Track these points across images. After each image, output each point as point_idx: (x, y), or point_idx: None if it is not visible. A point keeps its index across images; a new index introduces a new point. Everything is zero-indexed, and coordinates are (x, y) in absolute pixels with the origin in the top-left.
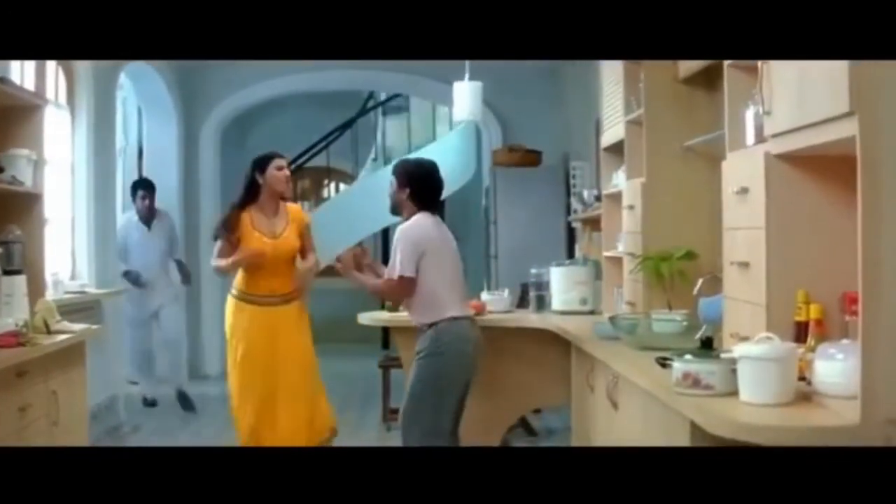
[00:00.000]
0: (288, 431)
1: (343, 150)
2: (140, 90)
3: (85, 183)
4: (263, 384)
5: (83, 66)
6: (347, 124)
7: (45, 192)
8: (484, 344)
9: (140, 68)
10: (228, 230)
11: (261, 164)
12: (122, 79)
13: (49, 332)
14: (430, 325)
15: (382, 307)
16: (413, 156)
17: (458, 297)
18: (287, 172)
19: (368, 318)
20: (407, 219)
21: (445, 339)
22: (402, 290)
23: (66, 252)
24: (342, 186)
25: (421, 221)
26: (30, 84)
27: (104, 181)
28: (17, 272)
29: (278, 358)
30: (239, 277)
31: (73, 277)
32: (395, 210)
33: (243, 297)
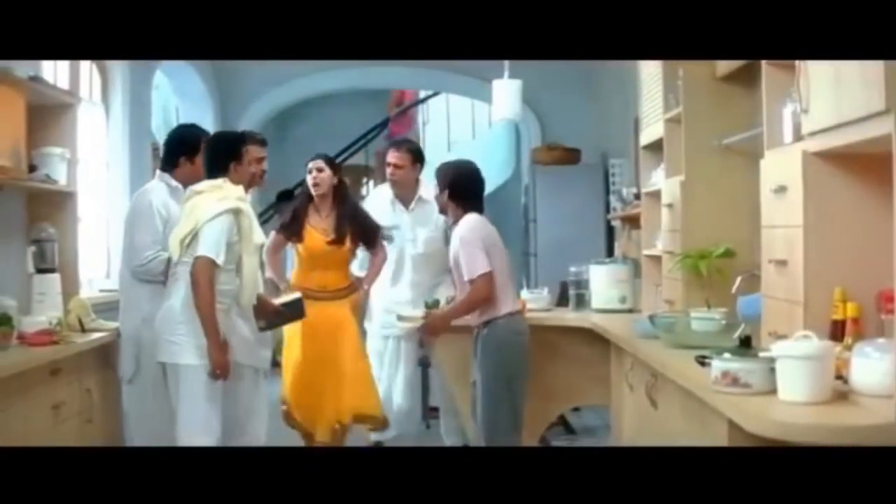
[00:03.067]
0: (317, 412)
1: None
2: (177, 87)
3: (120, 181)
4: (304, 372)
5: (118, 64)
6: (386, 123)
7: (79, 190)
8: None
9: (177, 65)
10: (293, 228)
11: (306, 166)
12: (159, 75)
13: (83, 330)
14: (487, 323)
15: (427, 305)
16: (453, 157)
17: (511, 293)
18: (316, 175)
19: (407, 316)
20: (455, 221)
21: (507, 336)
22: (488, 287)
23: (101, 250)
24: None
25: (475, 222)
26: (63, 82)
27: (139, 179)
28: (51, 270)
29: (325, 352)
30: (293, 271)
31: (108, 276)
32: (442, 211)
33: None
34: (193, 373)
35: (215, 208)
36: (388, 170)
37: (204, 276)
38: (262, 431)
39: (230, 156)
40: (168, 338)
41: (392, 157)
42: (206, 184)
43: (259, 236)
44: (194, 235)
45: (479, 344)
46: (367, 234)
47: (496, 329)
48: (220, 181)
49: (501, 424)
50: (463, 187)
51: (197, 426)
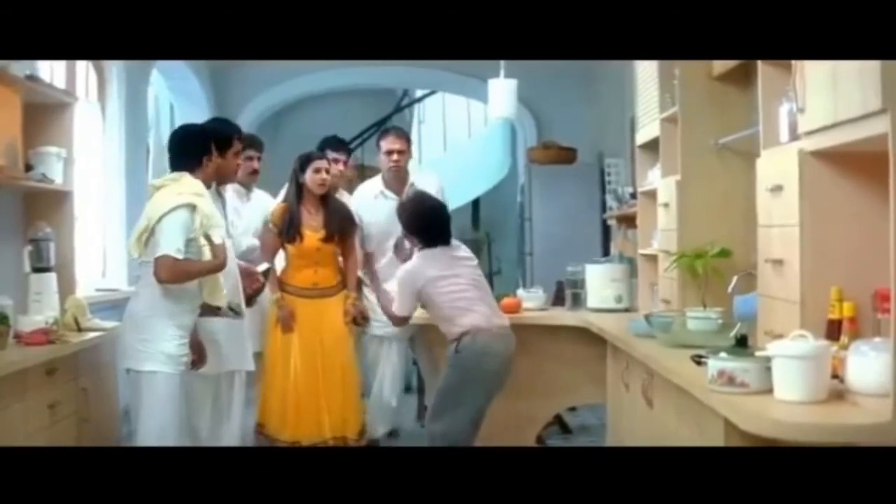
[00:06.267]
0: (298, 427)
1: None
2: (172, 86)
3: (116, 180)
4: (288, 374)
5: (114, 63)
6: (382, 122)
7: (76, 189)
8: (512, 353)
9: (172, 64)
10: (292, 232)
11: (301, 164)
12: (154, 75)
13: (80, 329)
14: (455, 340)
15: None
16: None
17: (478, 311)
18: (323, 175)
19: None
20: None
21: (465, 355)
22: (396, 322)
23: (97, 250)
24: None
25: (417, 263)
26: (60, 81)
27: (135, 178)
28: (48, 270)
29: (313, 350)
30: (282, 269)
31: (104, 275)
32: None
33: (285, 289)
34: (156, 380)
35: (169, 202)
36: (393, 157)
37: (171, 275)
38: (233, 436)
39: (201, 149)
40: (132, 343)
41: (396, 143)
42: (165, 178)
43: (217, 237)
44: (151, 232)
45: (447, 351)
46: (351, 229)
47: (461, 348)
48: (178, 174)
49: (442, 429)
50: (423, 227)
51: (162, 433)
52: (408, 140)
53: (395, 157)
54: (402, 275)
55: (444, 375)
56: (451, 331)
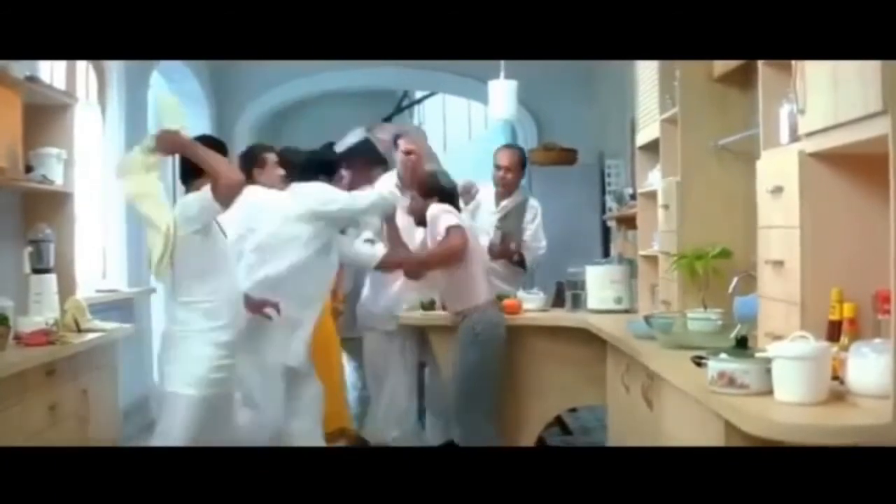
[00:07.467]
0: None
1: None
2: (173, 88)
3: (116, 182)
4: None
5: (114, 64)
6: (384, 122)
7: (76, 190)
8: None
9: (172, 66)
10: None
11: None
12: (155, 76)
13: (79, 330)
14: (466, 315)
15: (423, 306)
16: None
17: (486, 284)
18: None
19: (404, 316)
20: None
21: (482, 329)
22: (462, 238)
23: (97, 251)
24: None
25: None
26: (60, 82)
27: None
28: (48, 271)
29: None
30: None
31: (104, 276)
32: (420, 220)
33: None
34: (177, 401)
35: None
36: (411, 157)
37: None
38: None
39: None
40: (162, 361)
41: (413, 143)
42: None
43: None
44: (172, 239)
45: (459, 333)
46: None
47: (475, 321)
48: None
49: (476, 415)
50: (449, 195)
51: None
52: (423, 139)
53: (412, 157)
54: (443, 209)
55: (465, 360)
56: (466, 303)
